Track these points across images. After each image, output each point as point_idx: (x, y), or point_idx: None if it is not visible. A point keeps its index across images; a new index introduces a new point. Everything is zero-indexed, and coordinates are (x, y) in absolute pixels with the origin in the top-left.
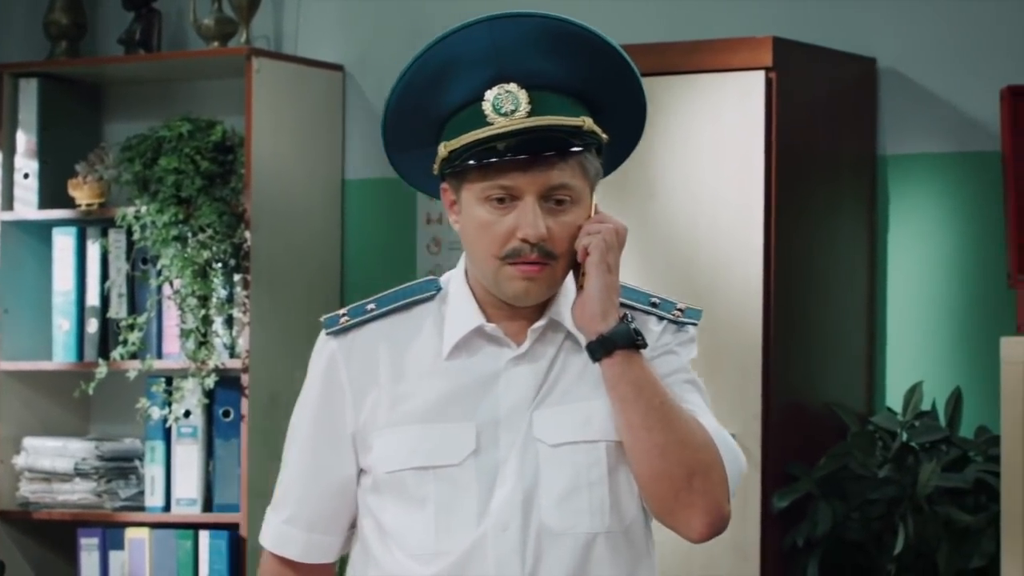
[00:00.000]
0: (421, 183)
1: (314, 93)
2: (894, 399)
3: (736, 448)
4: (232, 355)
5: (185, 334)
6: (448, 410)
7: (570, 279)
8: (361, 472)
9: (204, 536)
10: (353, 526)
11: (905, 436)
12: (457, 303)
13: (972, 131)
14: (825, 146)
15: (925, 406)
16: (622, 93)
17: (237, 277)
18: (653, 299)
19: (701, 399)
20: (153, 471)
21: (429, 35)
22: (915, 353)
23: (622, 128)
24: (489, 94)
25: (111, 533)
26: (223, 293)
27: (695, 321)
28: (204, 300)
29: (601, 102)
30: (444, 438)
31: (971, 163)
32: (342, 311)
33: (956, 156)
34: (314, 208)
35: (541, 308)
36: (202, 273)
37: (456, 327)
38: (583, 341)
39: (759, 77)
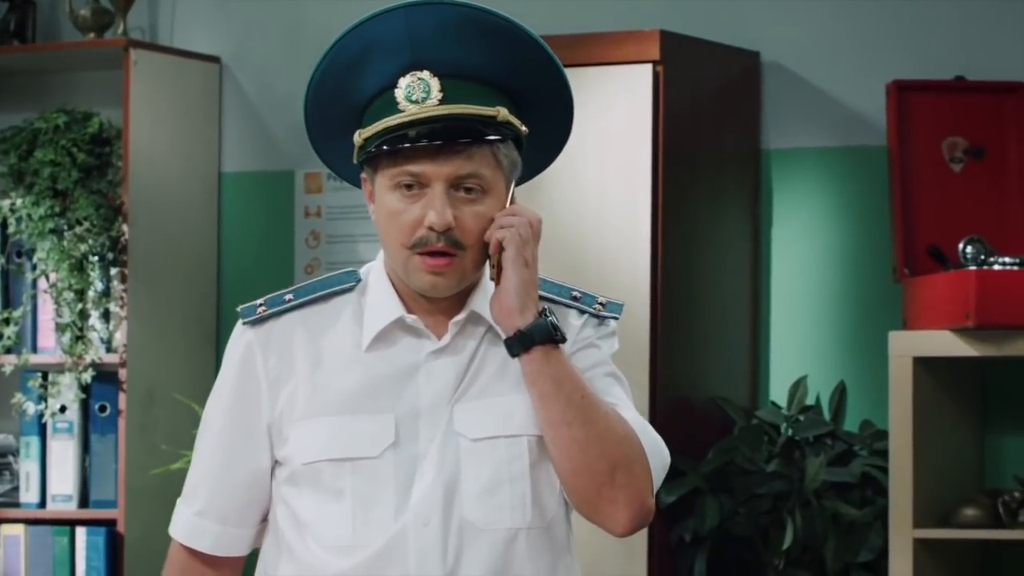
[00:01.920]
0: (348, 175)
1: (191, 85)
2: (778, 394)
3: (659, 441)
4: (109, 349)
5: (61, 328)
6: (367, 402)
7: (486, 271)
8: (276, 464)
9: (81, 533)
10: (265, 519)
11: (790, 431)
12: (377, 294)
13: (857, 125)
14: (710, 140)
15: (809, 400)
16: (544, 86)
17: (114, 271)
18: (574, 293)
19: (623, 392)
20: (28, 467)
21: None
22: (799, 347)
23: (548, 123)
24: (402, 82)
25: None
26: (100, 287)
27: (616, 315)
28: (80, 294)
29: (524, 95)
30: (362, 430)
31: (856, 157)
32: (259, 301)
33: (841, 150)
34: (191, 201)
35: (461, 300)
36: (79, 267)
37: (376, 318)
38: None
39: (646, 70)
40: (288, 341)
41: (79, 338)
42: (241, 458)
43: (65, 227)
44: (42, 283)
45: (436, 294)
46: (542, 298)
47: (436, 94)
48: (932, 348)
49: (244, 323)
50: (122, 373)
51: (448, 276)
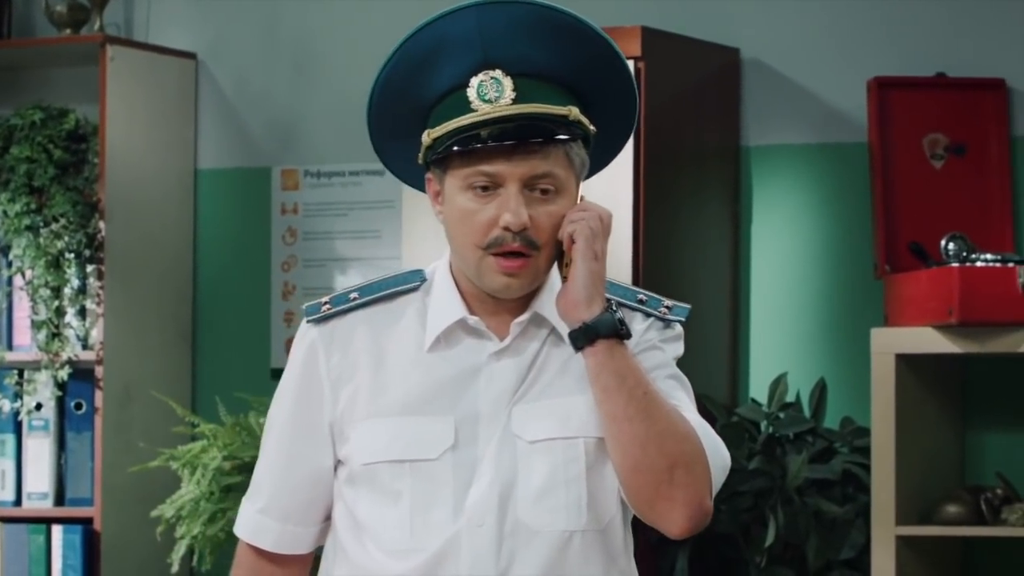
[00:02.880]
0: (407, 175)
1: (167, 81)
2: (758, 391)
3: (720, 443)
4: (85, 347)
5: (37, 326)
6: (428, 403)
7: (555, 271)
8: (338, 463)
9: (57, 530)
10: (328, 518)
11: (770, 428)
12: (440, 295)
13: (838, 122)
14: (691, 137)
15: (789, 397)
16: (611, 85)
17: (90, 268)
18: (640, 296)
19: (685, 395)
20: (3, 465)
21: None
22: (779, 344)
23: (612, 121)
24: (474, 80)
25: None
26: (76, 284)
27: (682, 319)
28: (57, 291)
29: (590, 93)
30: (422, 432)
31: (837, 154)
32: (324, 299)
33: (821, 147)
34: (168, 198)
35: (525, 301)
36: (55, 264)
37: (438, 319)
38: (566, 336)
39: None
40: (351, 340)
41: (55, 335)
42: (303, 457)
43: (41, 224)
44: (18, 280)
45: (509, 295)
46: (608, 300)
47: (509, 93)
48: (915, 345)
49: (308, 321)
50: (98, 370)
51: (522, 278)
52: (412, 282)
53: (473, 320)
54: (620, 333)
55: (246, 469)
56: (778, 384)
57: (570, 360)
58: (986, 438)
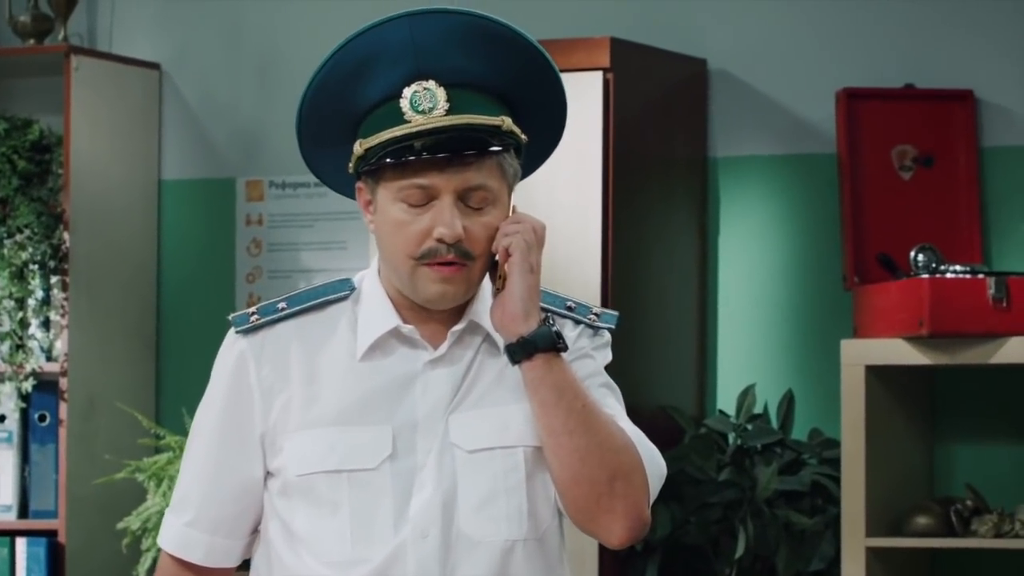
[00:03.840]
0: (336, 182)
1: (131, 92)
2: (726, 402)
3: (656, 452)
4: (49, 358)
5: (1, 337)
6: (363, 413)
7: (486, 280)
8: (268, 475)
9: (21, 543)
10: (256, 530)
11: (739, 439)
12: (371, 304)
13: (806, 133)
14: (659, 147)
15: (757, 409)
16: (542, 93)
17: (55, 279)
18: (569, 303)
19: (617, 403)
20: None
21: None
22: (747, 356)
23: (541, 129)
24: (407, 91)
25: None
26: (40, 295)
27: (611, 325)
28: (21, 302)
29: (521, 102)
30: (359, 441)
31: (805, 165)
32: (251, 309)
33: (789, 158)
34: (132, 209)
35: (458, 309)
36: (19, 275)
37: (371, 328)
38: (502, 344)
39: (597, 78)
40: (282, 350)
41: (19, 347)
42: (233, 467)
43: (5, 235)
44: None
45: (443, 305)
46: (544, 312)
47: (443, 104)
48: (884, 356)
49: (237, 332)
50: (63, 382)
51: (456, 285)
52: (341, 291)
53: (407, 328)
54: (558, 346)
55: None
56: (746, 395)
57: (505, 369)
58: (956, 449)
